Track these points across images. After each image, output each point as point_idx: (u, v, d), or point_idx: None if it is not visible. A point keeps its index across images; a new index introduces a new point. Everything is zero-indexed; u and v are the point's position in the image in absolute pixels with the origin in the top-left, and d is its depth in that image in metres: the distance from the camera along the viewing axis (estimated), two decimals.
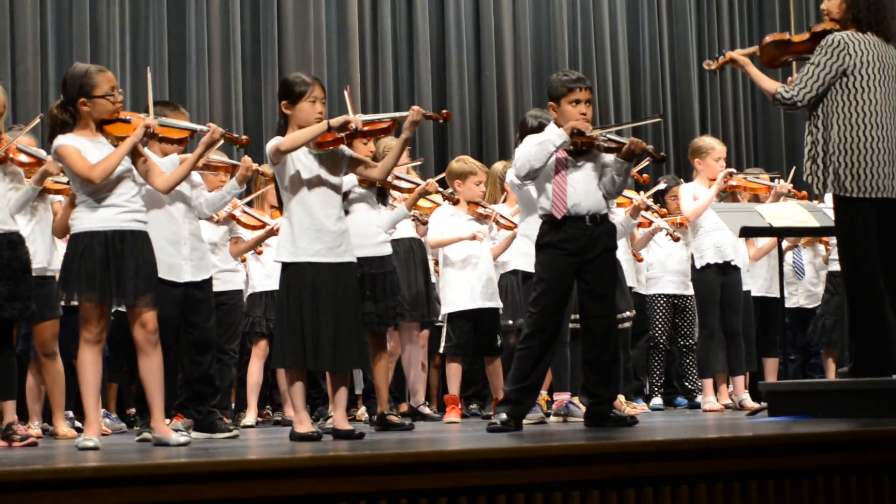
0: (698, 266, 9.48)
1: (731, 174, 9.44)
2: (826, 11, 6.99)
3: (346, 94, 6.92)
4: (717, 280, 9.43)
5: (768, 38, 7.22)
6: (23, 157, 7.26)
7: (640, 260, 10.45)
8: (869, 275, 6.76)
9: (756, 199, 9.80)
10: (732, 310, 9.50)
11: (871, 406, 6.35)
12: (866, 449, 4.84)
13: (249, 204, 9.12)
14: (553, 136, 6.76)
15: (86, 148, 6.14)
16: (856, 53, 6.74)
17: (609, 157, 6.89)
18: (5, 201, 6.97)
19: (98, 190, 6.11)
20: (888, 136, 6.73)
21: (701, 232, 9.45)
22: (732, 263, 9.46)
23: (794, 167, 10.99)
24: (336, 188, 6.48)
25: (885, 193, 6.73)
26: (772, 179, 9.76)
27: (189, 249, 7.23)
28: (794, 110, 6.97)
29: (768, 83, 7.01)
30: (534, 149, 6.77)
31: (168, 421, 6.71)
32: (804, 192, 10.12)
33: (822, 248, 10.93)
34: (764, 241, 10.10)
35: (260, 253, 9.31)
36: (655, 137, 13.80)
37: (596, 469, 4.45)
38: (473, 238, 9.02)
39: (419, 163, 9.89)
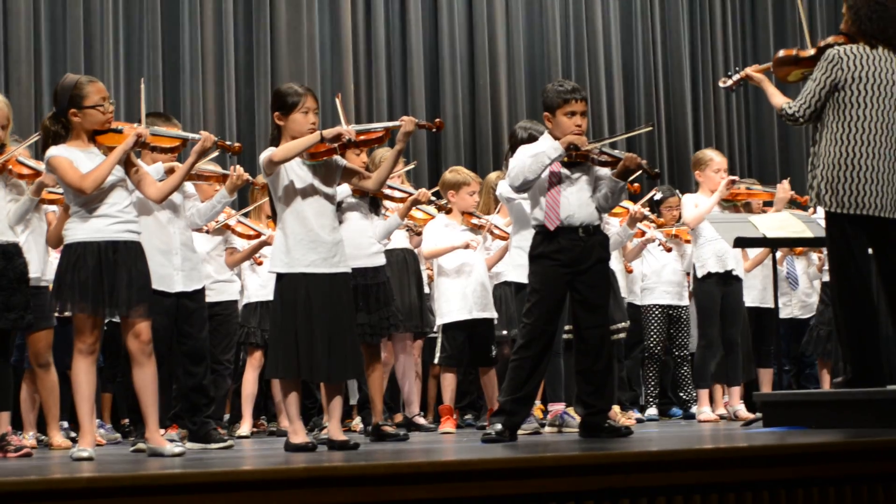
0: (699, 276, 9.47)
1: (732, 181, 9.45)
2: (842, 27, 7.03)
3: (337, 101, 6.92)
4: (717, 290, 9.41)
5: (779, 54, 7.32)
6: (24, 170, 7.25)
7: (630, 271, 10.45)
8: (853, 287, 6.75)
9: (748, 207, 9.78)
10: (732, 320, 9.49)
11: (865, 416, 6.35)
12: (861, 459, 4.83)
13: (247, 214, 9.11)
14: (548, 150, 6.75)
15: (78, 158, 6.14)
16: (849, 68, 6.71)
17: (603, 171, 6.87)
18: (4, 212, 6.95)
19: (91, 200, 6.11)
20: (880, 154, 6.68)
21: (702, 241, 9.44)
22: (734, 273, 9.45)
23: (789, 177, 11.00)
24: (330, 198, 6.48)
25: (871, 211, 6.69)
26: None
27: (180, 260, 7.22)
28: (798, 125, 7.00)
29: (778, 99, 7.08)
30: (528, 160, 6.75)
31: (163, 431, 6.70)
32: (806, 198, 10.08)
33: (815, 257, 10.94)
34: (755, 252, 10.09)
35: (260, 263, 9.26)
36: (649, 147, 13.82)
37: (591, 480, 4.45)
38: (467, 247, 9.01)
39: (413, 166, 9.88)
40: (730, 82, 7.61)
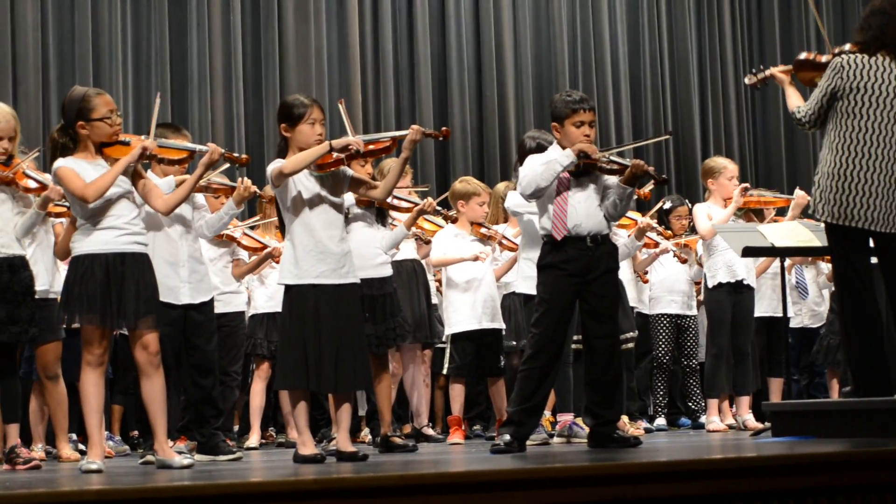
0: (710, 285, 9.44)
1: (745, 189, 9.44)
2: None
3: (340, 107, 6.91)
4: (728, 300, 9.37)
5: (800, 57, 7.31)
6: (30, 183, 7.25)
7: (646, 281, 10.43)
8: (855, 297, 6.69)
9: (754, 215, 9.75)
10: (742, 329, 9.45)
11: (874, 426, 6.32)
12: (870, 469, 4.82)
13: (253, 227, 9.09)
14: (560, 157, 6.75)
15: (84, 170, 6.15)
16: (850, 78, 6.63)
17: (612, 179, 6.87)
18: (11, 225, 6.96)
19: (98, 212, 6.12)
20: (876, 167, 6.59)
21: (713, 251, 9.42)
22: (745, 283, 9.42)
23: (797, 186, 10.98)
24: (338, 209, 6.49)
25: (862, 224, 6.60)
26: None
27: (188, 272, 7.23)
28: (805, 130, 6.99)
29: (793, 101, 7.08)
30: (540, 168, 6.75)
31: (171, 443, 6.70)
32: None
33: (824, 266, 10.91)
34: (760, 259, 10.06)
35: (274, 266, 9.21)
36: (657, 156, 13.80)
37: (599, 490, 4.44)
38: (476, 259, 9.00)
39: (426, 188, 9.88)
40: (754, 80, 7.60)
